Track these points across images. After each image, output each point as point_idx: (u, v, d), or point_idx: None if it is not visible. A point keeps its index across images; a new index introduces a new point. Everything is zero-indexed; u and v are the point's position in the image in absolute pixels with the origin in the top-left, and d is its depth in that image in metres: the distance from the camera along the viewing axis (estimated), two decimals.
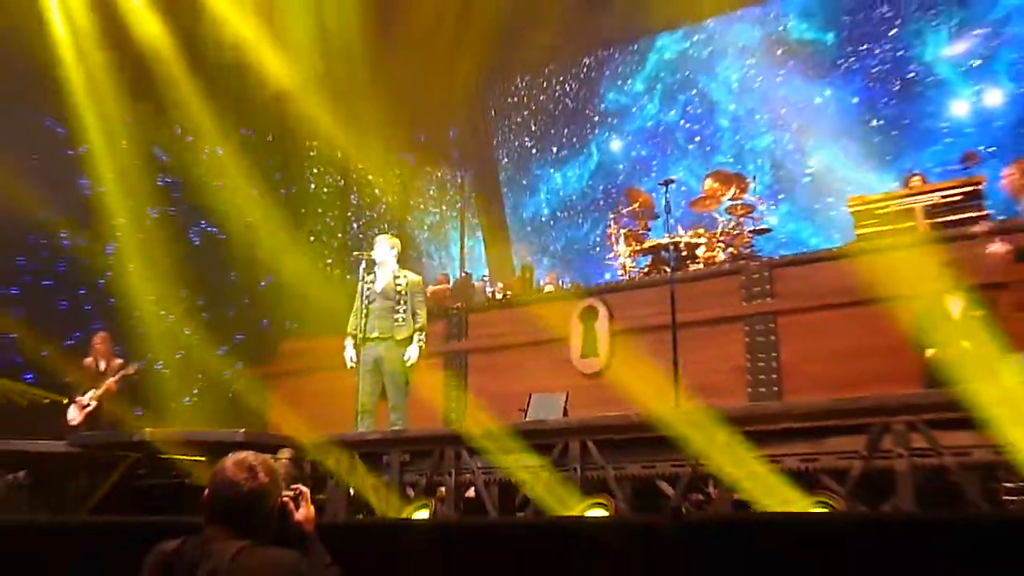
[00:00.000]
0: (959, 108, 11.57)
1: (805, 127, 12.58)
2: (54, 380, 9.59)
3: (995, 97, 11.33)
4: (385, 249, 7.33)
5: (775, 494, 4.66)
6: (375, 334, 7.12)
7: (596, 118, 14.53)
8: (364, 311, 7.17)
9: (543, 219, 14.77)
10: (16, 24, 10.37)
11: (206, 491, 2.50)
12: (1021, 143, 10.68)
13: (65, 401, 9.17)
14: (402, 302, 7.17)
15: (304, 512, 2.60)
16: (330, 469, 6.22)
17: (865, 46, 12.26)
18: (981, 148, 9.16)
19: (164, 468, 6.76)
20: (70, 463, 6.73)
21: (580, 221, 14.37)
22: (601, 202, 13.79)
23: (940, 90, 11.72)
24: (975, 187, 7.80)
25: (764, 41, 13.13)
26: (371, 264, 7.37)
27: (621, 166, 14.13)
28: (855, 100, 12.26)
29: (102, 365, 9.20)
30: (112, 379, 9.06)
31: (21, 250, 10.84)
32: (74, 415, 9.01)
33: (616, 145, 14.39)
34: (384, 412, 7.23)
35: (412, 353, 7.11)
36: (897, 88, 11.99)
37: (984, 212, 7.67)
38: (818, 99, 12.53)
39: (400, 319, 7.14)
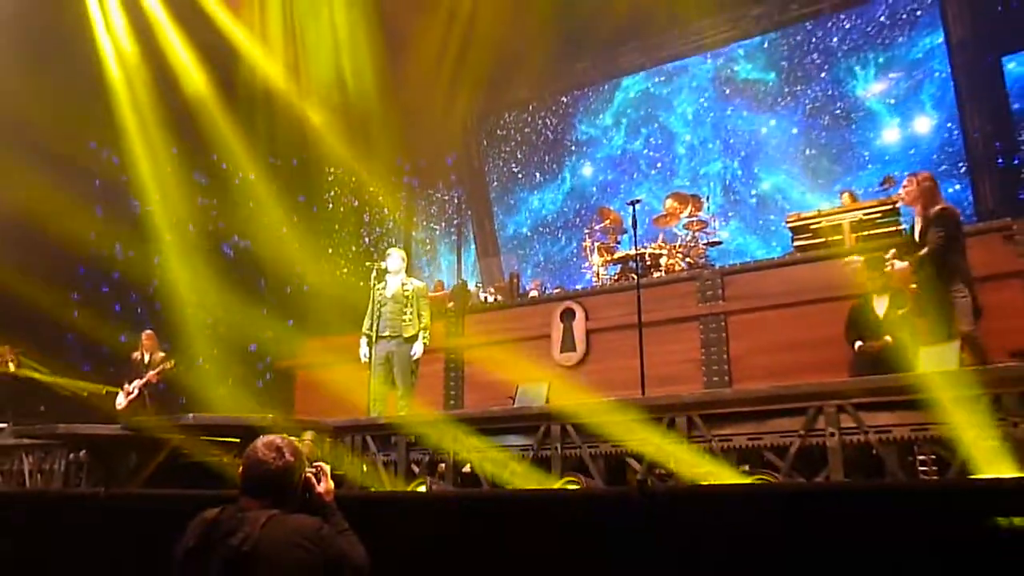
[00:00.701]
0: (885, 137, 11.63)
1: (751, 154, 12.65)
2: (109, 373, 9.60)
3: (918, 126, 11.40)
4: (396, 260, 7.38)
5: (725, 468, 4.68)
6: (386, 333, 7.16)
7: (572, 147, 14.55)
8: (377, 313, 7.21)
9: (527, 234, 14.77)
10: (79, 68, 10.37)
11: (240, 468, 2.51)
12: (938, 167, 10.79)
13: (116, 391, 9.16)
14: (409, 305, 7.21)
15: (324, 485, 2.62)
16: (346, 449, 6.21)
17: (800, 87, 12.33)
18: (897, 173, 9.19)
19: (204, 448, 6.74)
20: (123, 444, 6.69)
21: (559, 236, 14.37)
22: (576, 220, 13.80)
23: (868, 121, 11.78)
24: (892, 206, 7.87)
25: (715, 80, 13.19)
26: (382, 273, 7.38)
27: (593, 188, 14.15)
28: (794, 131, 12.31)
29: (147, 358, 9.17)
30: (153, 371, 9.03)
31: (82, 260, 10.81)
32: (121, 402, 9.02)
33: (588, 171, 14.39)
34: (393, 400, 7.23)
35: (417, 349, 7.17)
36: (830, 120, 12.04)
37: (899, 227, 7.75)
38: (763, 129, 12.58)
39: (407, 320, 7.17)
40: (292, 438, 2.60)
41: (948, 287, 5.40)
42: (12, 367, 9.95)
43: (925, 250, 5.49)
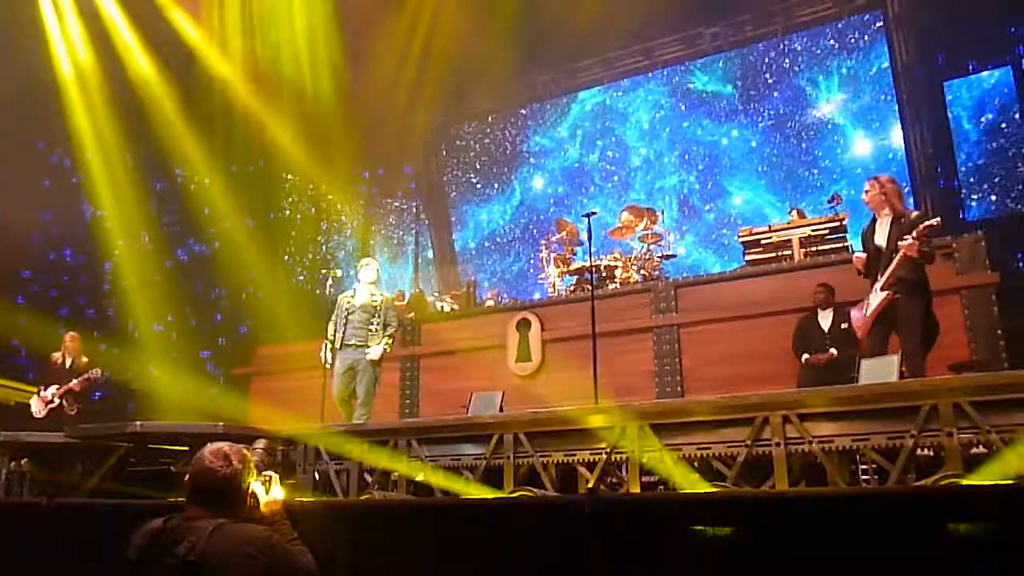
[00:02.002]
0: (834, 155, 11.90)
1: (707, 168, 12.85)
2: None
3: (865, 146, 11.70)
4: (372, 271, 7.45)
5: (677, 477, 4.74)
6: (352, 342, 7.15)
7: (531, 159, 14.63)
8: (344, 321, 7.21)
9: (485, 244, 14.79)
10: (30, 67, 10.14)
11: (187, 476, 2.47)
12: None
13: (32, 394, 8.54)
14: (376, 315, 7.23)
15: (274, 494, 2.59)
16: (298, 457, 6.15)
17: (753, 105, 12.59)
18: (844, 192, 9.42)
19: (153, 456, 6.62)
20: (68, 452, 6.53)
21: (515, 246, 14.41)
22: (534, 231, 13.86)
23: (818, 140, 12.06)
24: (839, 223, 8.07)
25: (671, 95, 13.39)
26: (338, 280, 7.37)
27: (550, 200, 14.23)
28: (753, 143, 12.52)
29: (68, 363, 8.52)
30: (76, 380, 8.35)
31: (28, 263, 10.54)
32: (36, 408, 8.35)
33: (542, 183, 14.47)
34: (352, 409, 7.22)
35: (375, 351, 7.13)
36: (781, 139, 12.31)
37: (846, 244, 7.95)
38: (723, 141, 12.77)
39: (374, 329, 7.19)
40: (241, 445, 2.56)
41: (920, 303, 5.35)
42: None
43: (914, 252, 5.25)
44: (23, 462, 6.88)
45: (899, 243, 5.33)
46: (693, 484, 4.67)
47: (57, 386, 8.40)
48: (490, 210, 14.85)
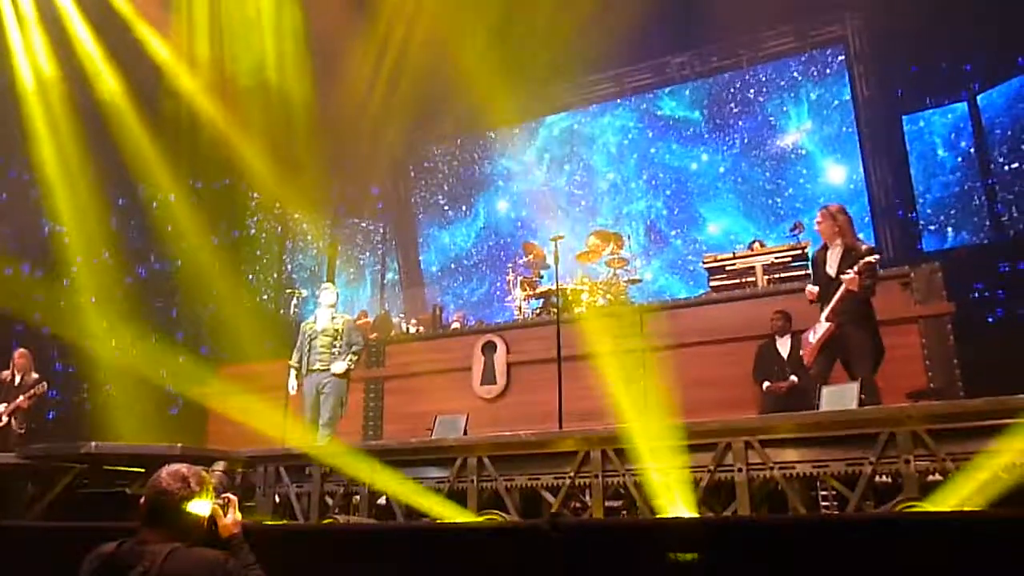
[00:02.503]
0: (798, 184, 12.12)
1: (674, 194, 13.00)
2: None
3: (827, 175, 11.94)
4: (331, 295, 7.55)
5: (643, 501, 4.75)
6: (316, 366, 7.21)
7: (499, 182, 14.70)
8: (308, 347, 7.28)
9: (451, 266, 14.78)
10: None
11: (142, 498, 2.42)
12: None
13: None
14: (339, 338, 7.29)
15: (232, 517, 2.54)
16: (258, 480, 6.05)
17: (720, 132, 12.81)
18: (806, 220, 9.60)
19: (107, 478, 6.46)
20: (18, 473, 6.34)
21: (481, 269, 14.42)
22: (502, 254, 13.87)
23: (782, 169, 12.27)
24: (801, 251, 8.21)
25: (639, 120, 13.56)
26: (302, 300, 7.36)
27: (519, 223, 14.27)
28: (720, 169, 12.70)
29: (17, 380, 8.26)
30: (24, 396, 8.11)
31: None
32: None
33: (509, 206, 14.53)
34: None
35: (338, 367, 7.16)
36: (747, 167, 12.51)
37: (807, 271, 8.06)
38: (692, 166, 12.92)
39: (336, 352, 7.24)
40: (198, 468, 2.52)
41: (871, 327, 5.55)
42: None
43: (855, 286, 5.44)
44: None
45: (842, 276, 5.53)
46: (657, 509, 4.68)
47: (5, 404, 8.14)
48: (456, 232, 14.87)
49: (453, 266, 14.70)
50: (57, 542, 4.26)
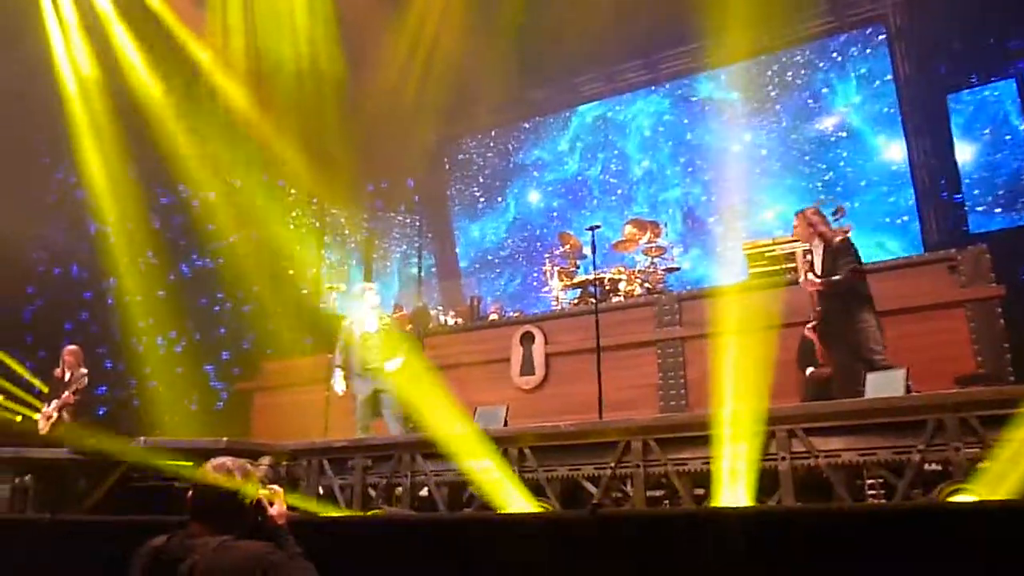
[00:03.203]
0: (839, 168, 11.86)
1: (712, 179, 12.81)
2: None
3: (868, 158, 11.65)
4: (376, 297, 7.71)
5: (682, 491, 4.72)
6: (373, 365, 7.28)
7: (533, 172, 14.65)
8: (360, 346, 7.35)
9: (487, 258, 14.78)
10: (35, 85, 10.23)
11: (189, 492, 2.46)
12: (887, 198, 11.08)
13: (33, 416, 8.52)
14: (389, 339, 7.42)
15: (278, 509, 2.57)
16: (302, 472, 6.14)
17: (757, 116, 12.58)
18: (847, 204, 9.41)
19: (156, 472, 6.60)
20: (71, 468, 6.52)
21: (517, 259, 14.40)
22: (538, 244, 13.84)
23: (822, 153, 12.01)
24: (844, 235, 8.03)
25: (674, 105, 13.40)
26: (340, 294, 7.44)
27: (553, 213, 14.22)
28: (761, 152, 12.48)
29: (68, 376, 8.46)
30: (69, 391, 8.29)
31: (32, 279, 10.58)
32: (42, 425, 8.29)
33: (544, 196, 14.46)
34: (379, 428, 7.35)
35: (391, 365, 7.23)
36: (787, 148, 12.28)
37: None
38: (736, 147, 12.64)
39: (389, 353, 7.31)
40: (243, 460, 2.55)
41: (856, 316, 5.62)
42: None
43: (837, 278, 5.74)
44: (27, 478, 6.87)
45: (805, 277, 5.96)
46: (700, 499, 4.65)
47: (56, 400, 8.35)
48: (491, 224, 14.86)
49: (490, 258, 14.70)
50: (109, 535, 4.37)
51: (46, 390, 8.59)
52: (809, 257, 6.27)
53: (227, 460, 2.50)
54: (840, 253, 5.80)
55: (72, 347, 8.73)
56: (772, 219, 12.05)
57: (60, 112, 10.69)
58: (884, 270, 7.15)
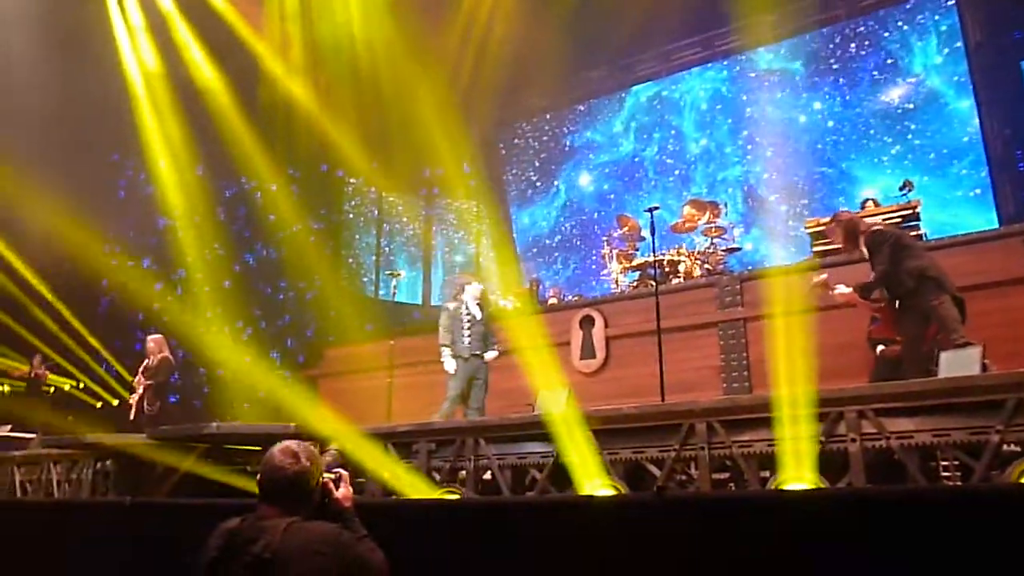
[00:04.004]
0: (906, 141, 11.44)
1: (774, 156, 12.48)
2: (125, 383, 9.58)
3: (938, 131, 11.19)
4: (476, 288, 8.10)
5: (748, 474, 4.64)
6: (477, 351, 7.77)
7: (589, 154, 14.53)
8: (463, 333, 7.80)
9: (546, 242, 14.75)
10: (103, 83, 10.55)
11: (258, 476, 2.52)
12: (959, 172, 10.66)
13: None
14: (487, 327, 7.94)
15: (344, 491, 2.62)
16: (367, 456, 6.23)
17: (818, 90, 12.22)
18: (916, 178, 9.08)
19: (228, 457, 6.80)
20: (149, 453, 6.75)
21: (574, 242, 14.32)
22: (596, 227, 13.73)
23: (888, 126, 11.61)
24: (912, 211, 7.78)
25: (732, 81, 13.09)
26: (400, 281, 7.53)
27: (611, 195, 14.09)
28: (830, 124, 12.12)
29: (152, 363, 8.76)
30: (144, 376, 8.63)
31: (106, 272, 10.96)
32: (134, 410, 8.66)
33: (596, 179, 14.31)
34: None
35: (490, 355, 7.85)
36: (849, 126, 11.92)
37: (919, 232, 7.66)
38: (802, 117, 12.29)
39: (488, 341, 7.88)
40: (308, 443, 2.59)
41: (926, 297, 5.34)
42: (40, 377, 10.06)
43: (867, 282, 5.67)
44: (107, 463, 7.15)
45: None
46: (765, 482, 4.57)
47: (140, 386, 8.69)
48: (547, 207, 14.82)
49: (547, 241, 14.67)
50: (186, 517, 4.51)
51: (130, 378, 8.91)
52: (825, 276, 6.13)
53: (292, 443, 2.55)
54: (872, 251, 5.64)
55: (155, 336, 9.03)
56: (838, 195, 11.71)
57: (128, 111, 11.02)
58: (956, 245, 6.87)
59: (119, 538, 4.87)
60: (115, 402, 9.25)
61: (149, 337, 9.03)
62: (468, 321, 7.81)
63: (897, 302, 5.66)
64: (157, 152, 11.19)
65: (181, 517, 4.66)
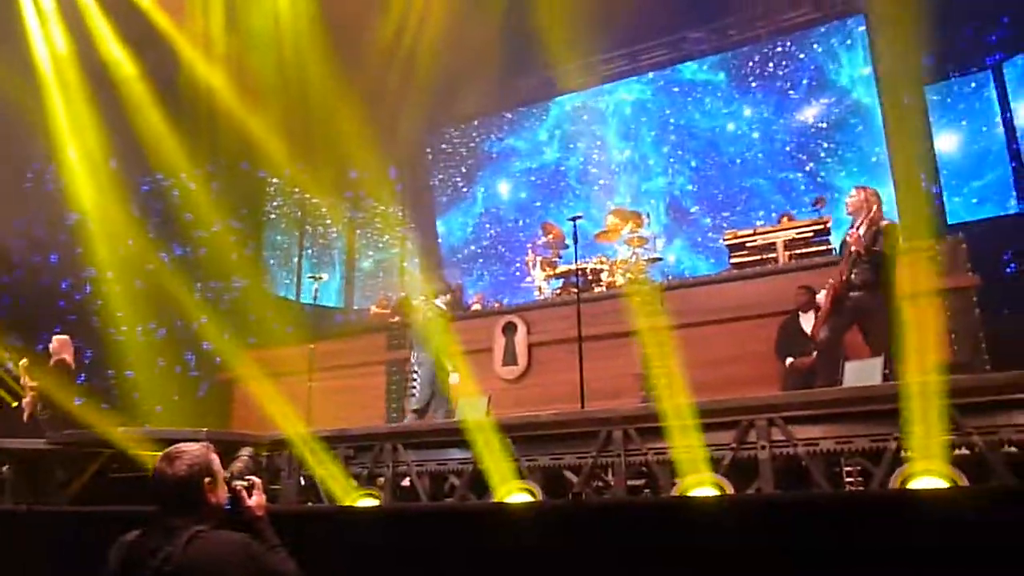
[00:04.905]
0: (825, 156, 11.88)
1: (697, 169, 12.79)
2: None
3: (860, 146, 11.66)
4: (440, 304, 8.28)
5: (665, 480, 4.73)
6: None
7: (516, 161, 14.60)
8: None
9: (470, 247, 14.74)
10: (9, 71, 10.04)
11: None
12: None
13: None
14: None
15: (257, 500, 2.55)
16: (283, 463, 6.10)
17: (742, 104, 12.59)
18: (828, 195, 9.46)
19: (134, 463, 6.54)
20: (49, 458, 6.44)
21: (497, 250, 14.36)
22: (520, 234, 13.79)
23: (810, 139, 12.02)
24: (823, 226, 8.11)
25: (656, 93, 13.36)
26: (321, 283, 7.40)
27: (536, 203, 14.18)
28: (755, 135, 12.47)
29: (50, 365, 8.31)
30: (32, 380, 8.09)
31: (8, 269, 10.43)
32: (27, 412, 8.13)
33: (519, 187, 14.40)
34: None
35: (454, 378, 7.79)
36: (768, 141, 12.31)
37: (829, 247, 7.99)
38: (730, 124, 12.61)
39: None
40: (195, 445, 2.48)
41: (876, 293, 5.69)
42: None
43: (875, 248, 5.77)
44: (4, 468, 6.78)
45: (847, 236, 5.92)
46: (680, 488, 4.67)
47: (32, 388, 8.14)
48: (470, 214, 14.82)
49: (471, 248, 14.66)
50: (87, 526, 4.33)
51: (28, 378, 8.43)
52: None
53: (177, 446, 2.46)
54: (884, 234, 5.82)
55: (61, 336, 8.59)
56: (755, 209, 12.09)
57: (36, 99, 10.51)
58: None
59: (15, 547, 4.64)
60: (14, 404, 8.75)
61: (54, 337, 8.59)
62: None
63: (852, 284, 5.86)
64: (66, 143, 10.68)
65: (82, 526, 4.46)
